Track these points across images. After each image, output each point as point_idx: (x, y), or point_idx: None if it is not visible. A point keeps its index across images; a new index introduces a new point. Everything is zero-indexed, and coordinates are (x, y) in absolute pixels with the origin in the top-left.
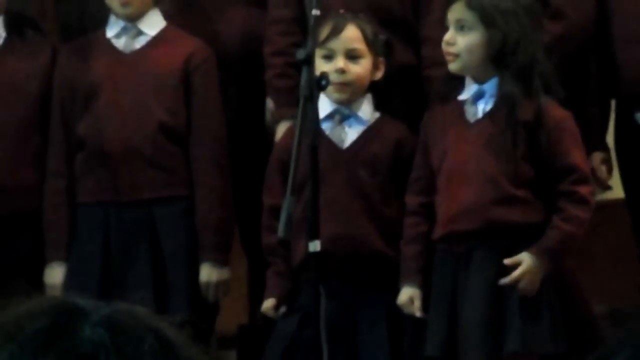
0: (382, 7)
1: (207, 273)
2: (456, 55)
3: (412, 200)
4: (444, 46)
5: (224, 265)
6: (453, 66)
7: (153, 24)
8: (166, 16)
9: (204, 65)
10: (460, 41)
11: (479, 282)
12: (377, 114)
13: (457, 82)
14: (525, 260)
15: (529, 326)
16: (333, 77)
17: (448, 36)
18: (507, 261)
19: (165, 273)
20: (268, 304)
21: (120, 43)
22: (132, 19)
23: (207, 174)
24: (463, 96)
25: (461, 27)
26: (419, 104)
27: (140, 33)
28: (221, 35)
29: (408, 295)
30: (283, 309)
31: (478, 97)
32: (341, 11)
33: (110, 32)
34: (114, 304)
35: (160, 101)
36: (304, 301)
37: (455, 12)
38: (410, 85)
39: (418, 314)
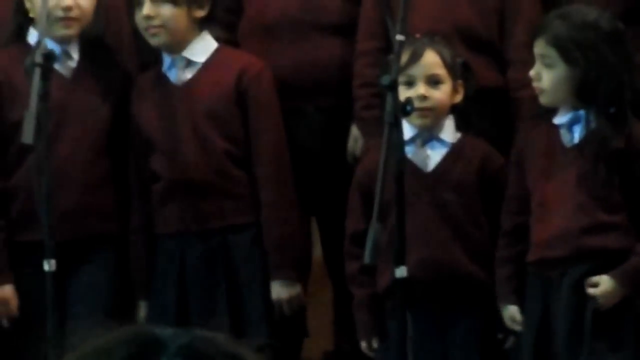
0: (468, 29)
1: (277, 291)
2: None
3: (506, 220)
4: (533, 82)
5: (294, 282)
6: (542, 100)
7: (201, 50)
8: (241, 39)
9: (257, 79)
10: (545, 77)
11: (569, 307)
12: (458, 134)
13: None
14: (604, 282)
15: (601, 343)
16: (414, 104)
17: (534, 72)
18: (587, 284)
19: (243, 301)
20: (364, 346)
21: (172, 76)
22: (177, 50)
23: (268, 193)
24: (558, 120)
25: (545, 62)
26: (505, 126)
27: (189, 63)
28: (305, 64)
29: (509, 316)
30: (375, 344)
31: (574, 121)
32: (417, 35)
33: (164, 66)
34: (193, 332)
35: (219, 129)
36: (391, 330)
37: (538, 47)
38: (496, 107)
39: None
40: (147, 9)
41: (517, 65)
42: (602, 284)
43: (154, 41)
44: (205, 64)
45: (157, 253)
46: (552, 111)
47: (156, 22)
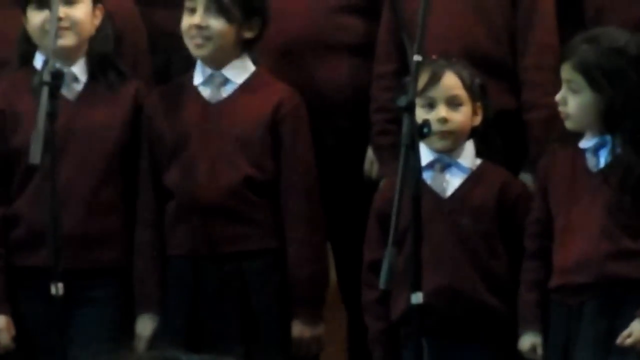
0: (479, 50)
1: (299, 330)
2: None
3: (530, 243)
4: (559, 106)
5: (317, 321)
6: (568, 125)
7: (240, 71)
8: (263, 62)
9: (293, 113)
10: (571, 102)
11: (590, 336)
12: (478, 161)
13: None
14: (635, 330)
15: None
16: (435, 127)
17: (559, 96)
18: (622, 339)
19: (257, 328)
20: None
21: (206, 92)
22: (217, 66)
23: (298, 229)
24: (584, 144)
25: (571, 87)
26: (519, 149)
27: (226, 81)
28: (321, 84)
29: (530, 342)
30: None
31: (600, 146)
32: (434, 57)
33: (196, 79)
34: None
35: (246, 154)
36: (406, 358)
37: (565, 72)
38: (509, 130)
39: None
40: (199, 18)
41: (528, 86)
42: (635, 331)
43: (197, 52)
44: (243, 86)
45: (168, 274)
46: (578, 135)
47: (205, 33)
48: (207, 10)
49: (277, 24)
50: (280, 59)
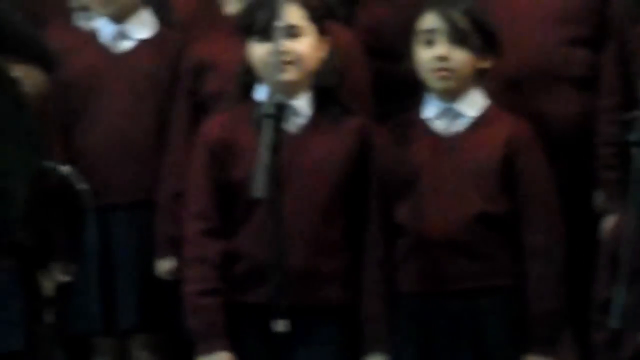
0: None
1: None
2: None
3: None
4: None
5: (551, 358)
6: None
7: (474, 104)
8: (490, 94)
9: (528, 146)
10: None
11: None
12: None
13: None
14: None
15: None
16: None
17: None
18: None
19: None
20: None
21: (439, 125)
22: (451, 98)
23: (538, 264)
24: None
25: None
26: None
27: (460, 115)
28: (550, 117)
29: None
30: None
31: None
32: None
33: (428, 113)
34: None
35: (480, 188)
36: None
37: None
38: None
39: None
40: (442, 49)
41: None
42: None
43: (440, 85)
44: (477, 120)
45: (397, 312)
46: None
47: (448, 65)
48: (449, 40)
49: (507, 55)
50: (508, 91)
